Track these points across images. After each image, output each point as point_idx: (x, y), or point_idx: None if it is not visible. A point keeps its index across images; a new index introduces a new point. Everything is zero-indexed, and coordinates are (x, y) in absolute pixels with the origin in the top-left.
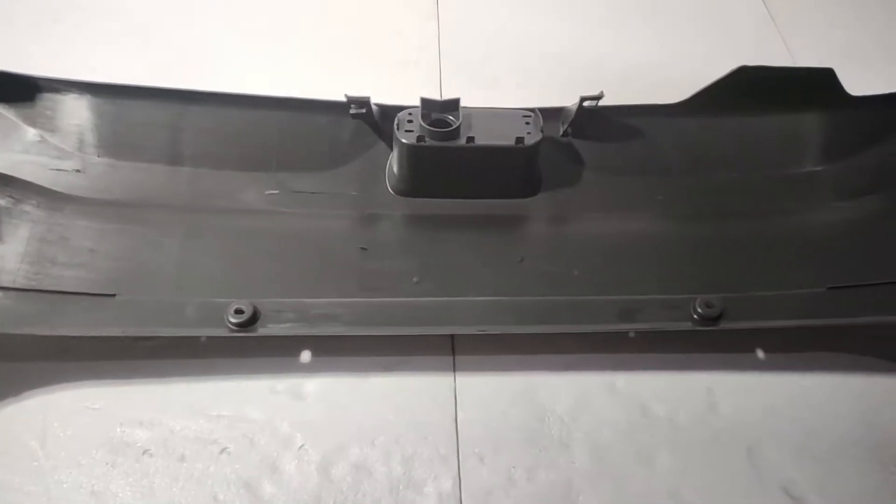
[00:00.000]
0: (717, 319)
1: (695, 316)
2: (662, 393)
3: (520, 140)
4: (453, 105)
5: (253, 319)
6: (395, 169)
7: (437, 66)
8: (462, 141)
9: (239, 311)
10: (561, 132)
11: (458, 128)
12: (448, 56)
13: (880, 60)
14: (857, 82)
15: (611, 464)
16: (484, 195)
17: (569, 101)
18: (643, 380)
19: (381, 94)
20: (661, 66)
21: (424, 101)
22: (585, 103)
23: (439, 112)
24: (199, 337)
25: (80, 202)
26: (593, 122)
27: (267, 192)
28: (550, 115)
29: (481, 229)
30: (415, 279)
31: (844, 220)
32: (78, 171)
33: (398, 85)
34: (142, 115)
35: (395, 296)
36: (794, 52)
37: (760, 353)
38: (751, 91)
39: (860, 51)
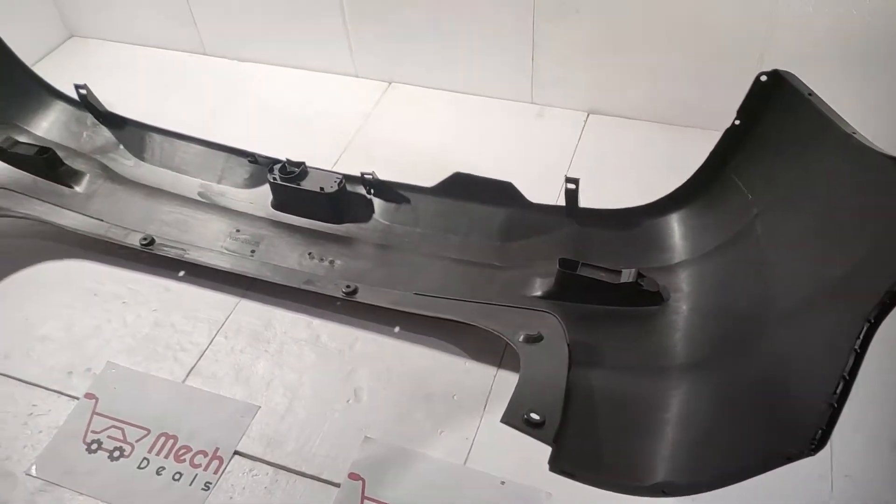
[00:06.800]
0: (354, 293)
1: (343, 290)
2: (335, 334)
3: (322, 189)
4: (299, 164)
5: None
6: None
7: (345, 148)
8: (295, 184)
9: None
10: (366, 191)
11: (296, 176)
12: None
13: None
14: None
15: None
16: (314, 217)
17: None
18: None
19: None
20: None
21: (288, 160)
22: (365, 175)
23: (293, 167)
24: None
25: None
26: (386, 189)
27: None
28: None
29: (295, 235)
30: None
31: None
32: None
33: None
34: None
35: None
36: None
37: (397, 328)
38: (466, 188)
39: None
